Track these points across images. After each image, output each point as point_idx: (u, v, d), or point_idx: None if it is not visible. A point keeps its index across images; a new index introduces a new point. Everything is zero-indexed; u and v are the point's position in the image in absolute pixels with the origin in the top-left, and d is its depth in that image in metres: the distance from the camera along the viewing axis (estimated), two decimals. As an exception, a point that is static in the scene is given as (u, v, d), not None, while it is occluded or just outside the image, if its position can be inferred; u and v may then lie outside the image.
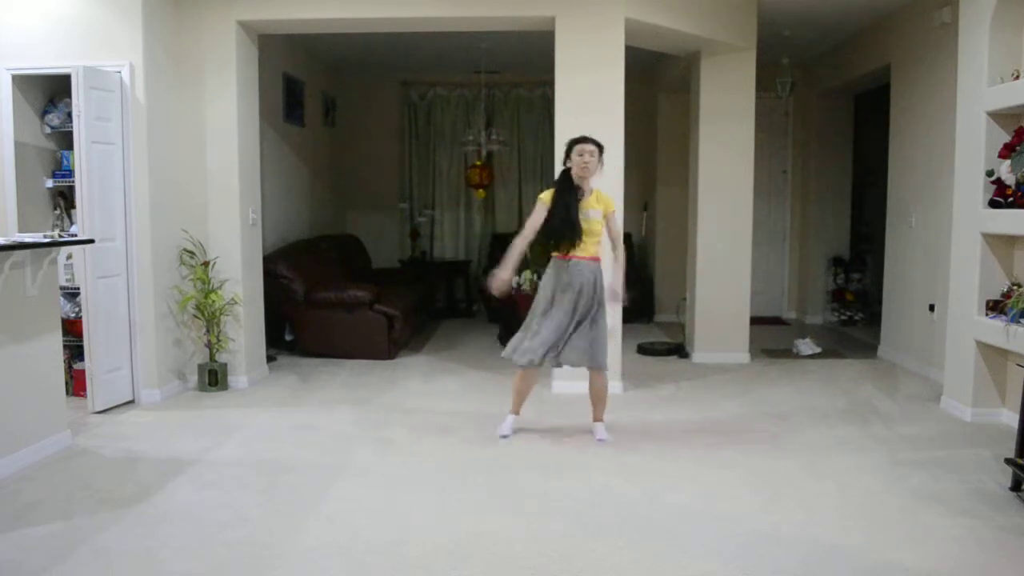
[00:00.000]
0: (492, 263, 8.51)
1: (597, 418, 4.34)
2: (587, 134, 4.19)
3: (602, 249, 4.23)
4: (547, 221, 4.12)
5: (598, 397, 4.31)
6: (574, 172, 4.12)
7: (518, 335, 4.23)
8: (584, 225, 4.09)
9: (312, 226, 7.89)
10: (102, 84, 4.67)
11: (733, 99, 6.09)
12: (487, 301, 7.82)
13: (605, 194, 4.23)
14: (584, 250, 4.11)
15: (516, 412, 4.36)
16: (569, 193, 4.11)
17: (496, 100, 8.97)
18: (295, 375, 5.81)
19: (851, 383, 5.54)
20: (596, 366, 4.17)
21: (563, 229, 4.08)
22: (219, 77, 5.21)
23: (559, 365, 4.27)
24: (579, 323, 4.12)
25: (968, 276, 4.55)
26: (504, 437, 4.26)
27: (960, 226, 4.66)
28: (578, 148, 4.12)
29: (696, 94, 6.30)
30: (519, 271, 6.72)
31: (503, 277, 4.12)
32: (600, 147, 4.15)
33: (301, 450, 4.09)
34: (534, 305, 4.22)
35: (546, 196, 4.17)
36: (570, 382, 5.26)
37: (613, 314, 4.23)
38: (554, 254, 4.18)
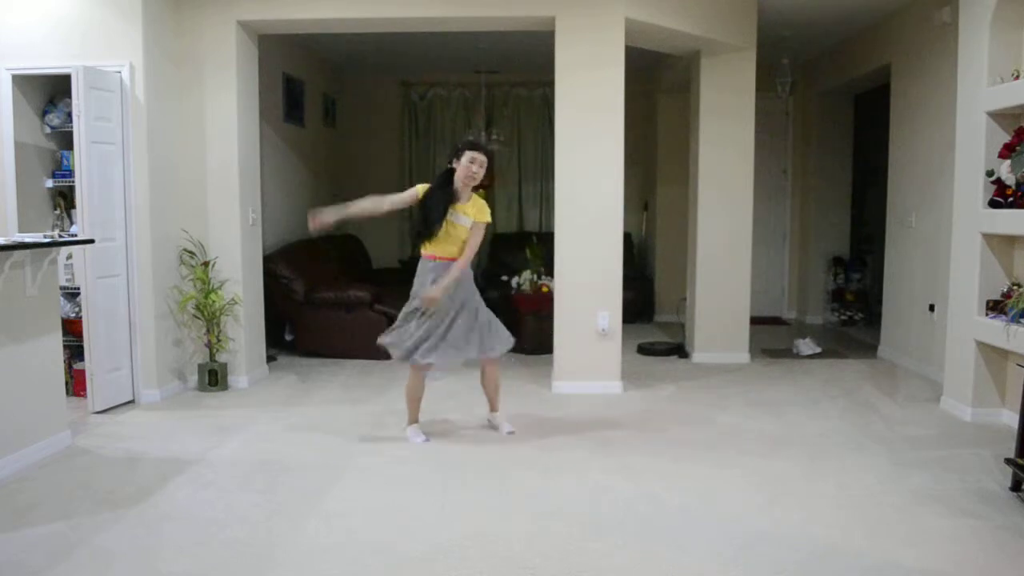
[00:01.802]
0: (492, 263, 8.58)
1: (495, 408, 4.37)
2: (484, 143, 4.10)
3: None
4: (417, 213, 4.14)
5: (493, 386, 4.34)
6: (458, 176, 4.04)
7: (395, 334, 4.13)
8: (450, 229, 4.03)
9: (312, 226, 7.88)
10: (102, 84, 4.67)
11: (733, 99, 6.09)
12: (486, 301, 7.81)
13: (483, 204, 4.16)
14: (448, 253, 4.06)
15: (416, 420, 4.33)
16: (444, 194, 4.04)
17: (496, 100, 8.97)
18: (295, 375, 5.81)
19: (851, 383, 5.54)
20: (485, 355, 4.17)
21: (421, 227, 4.07)
22: (219, 77, 5.21)
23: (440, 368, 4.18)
24: (455, 320, 4.07)
25: (968, 276, 4.55)
26: (510, 433, 4.30)
27: (960, 226, 4.66)
28: (470, 155, 4.02)
29: (696, 94, 6.30)
30: (519, 271, 6.73)
31: (325, 217, 4.00)
32: (492, 159, 4.11)
33: (301, 450, 4.09)
34: (407, 304, 4.15)
35: (421, 189, 4.10)
36: (570, 382, 5.27)
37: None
38: (423, 253, 4.13)
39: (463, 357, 4.15)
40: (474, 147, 4.08)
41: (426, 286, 4.05)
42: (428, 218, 4.04)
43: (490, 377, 4.35)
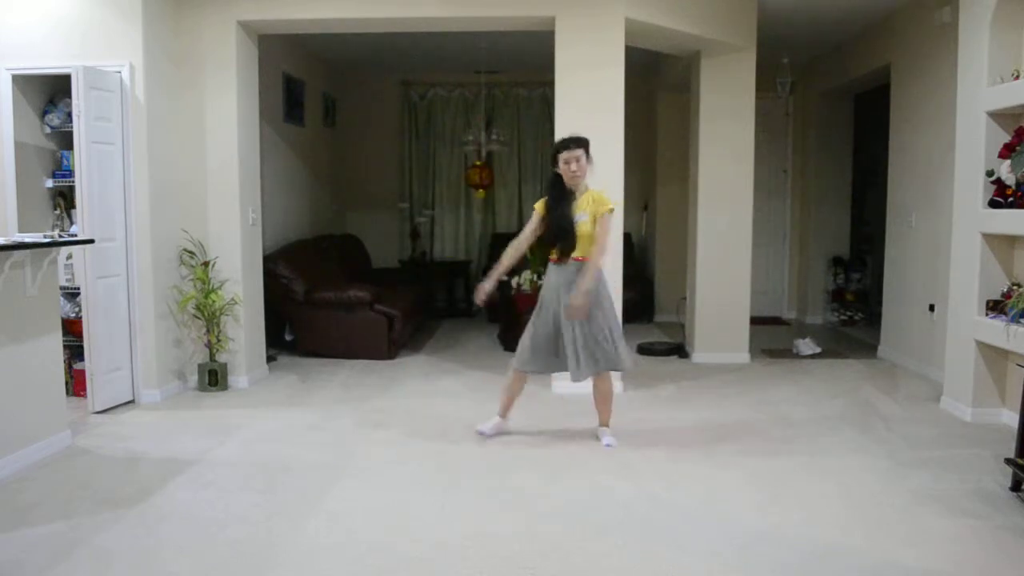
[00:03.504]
0: (492, 263, 8.54)
1: (603, 423, 4.29)
2: (571, 135, 4.06)
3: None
4: (547, 230, 4.08)
5: (602, 400, 4.25)
6: (564, 178, 4.04)
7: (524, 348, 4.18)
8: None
9: (312, 226, 7.89)
10: (102, 84, 4.67)
11: (733, 99, 6.09)
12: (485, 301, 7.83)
13: (599, 193, 4.06)
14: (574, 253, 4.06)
15: (503, 416, 4.34)
16: (562, 200, 4.03)
17: (496, 100, 8.97)
18: (295, 375, 5.81)
19: (851, 383, 5.54)
20: (596, 371, 4.09)
21: (561, 239, 4.03)
22: (219, 77, 5.21)
23: (574, 378, 4.09)
24: (573, 328, 4.00)
25: (968, 276, 4.55)
26: (481, 434, 4.28)
27: (960, 226, 4.66)
28: (563, 156, 3.99)
29: (696, 94, 6.30)
30: (519, 272, 6.73)
31: (485, 288, 4.10)
32: (585, 145, 4.02)
33: (301, 450, 4.09)
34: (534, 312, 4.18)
35: (539, 206, 4.12)
36: (570, 382, 5.25)
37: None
38: (550, 258, 4.14)
39: (565, 370, 4.10)
40: (564, 147, 4.02)
41: (552, 289, 4.05)
42: (562, 227, 4.01)
43: (598, 389, 4.24)
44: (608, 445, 4.14)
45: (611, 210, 4.02)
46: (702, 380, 5.65)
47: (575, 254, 4.01)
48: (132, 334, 4.95)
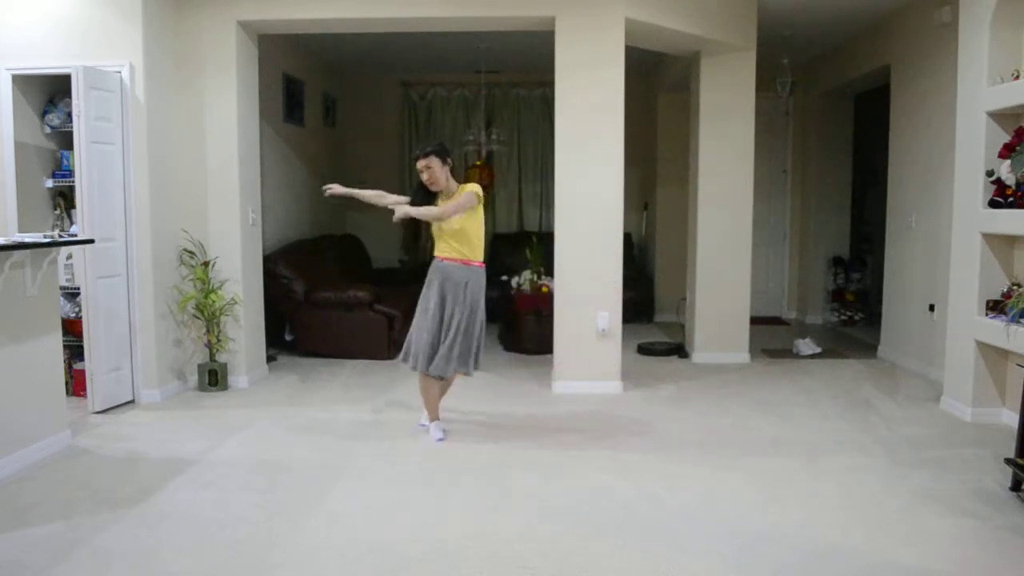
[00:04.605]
0: (492, 263, 8.55)
1: (436, 417, 4.33)
2: (428, 146, 4.14)
3: (480, 254, 4.26)
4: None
5: (443, 394, 4.38)
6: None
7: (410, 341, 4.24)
8: (442, 225, 4.12)
9: (312, 226, 7.89)
10: (102, 84, 4.67)
11: (733, 99, 6.09)
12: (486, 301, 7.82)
13: (464, 186, 4.17)
14: (450, 251, 4.14)
15: (435, 417, 4.34)
16: (421, 199, 4.18)
17: (496, 100, 8.97)
18: (295, 375, 5.80)
19: (851, 383, 5.54)
20: (463, 371, 4.21)
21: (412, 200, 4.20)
22: (219, 77, 5.21)
23: (435, 375, 4.16)
24: (450, 328, 4.09)
25: (968, 276, 4.55)
26: (423, 426, 4.36)
27: (960, 226, 4.66)
28: (418, 165, 4.13)
29: (696, 94, 6.30)
30: (519, 271, 6.74)
31: (335, 191, 4.47)
32: (437, 151, 4.11)
33: (301, 450, 4.09)
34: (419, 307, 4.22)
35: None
36: (570, 382, 5.27)
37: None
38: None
39: (440, 374, 4.17)
40: (418, 156, 4.15)
41: (431, 285, 4.14)
42: (412, 200, 4.20)
43: (447, 384, 4.40)
44: (440, 440, 4.22)
45: (474, 192, 4.12)
46: (702, 380, 5.65)
47: (449, 254, 4.15)
48: (132, 334, 4.95)
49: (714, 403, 5.04)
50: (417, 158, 4.15)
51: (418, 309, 4.21)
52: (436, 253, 4.20)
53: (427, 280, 4.19)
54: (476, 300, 4.18)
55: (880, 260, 6.87)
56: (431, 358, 4.11)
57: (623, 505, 3.35)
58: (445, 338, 4.11)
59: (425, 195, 4.19)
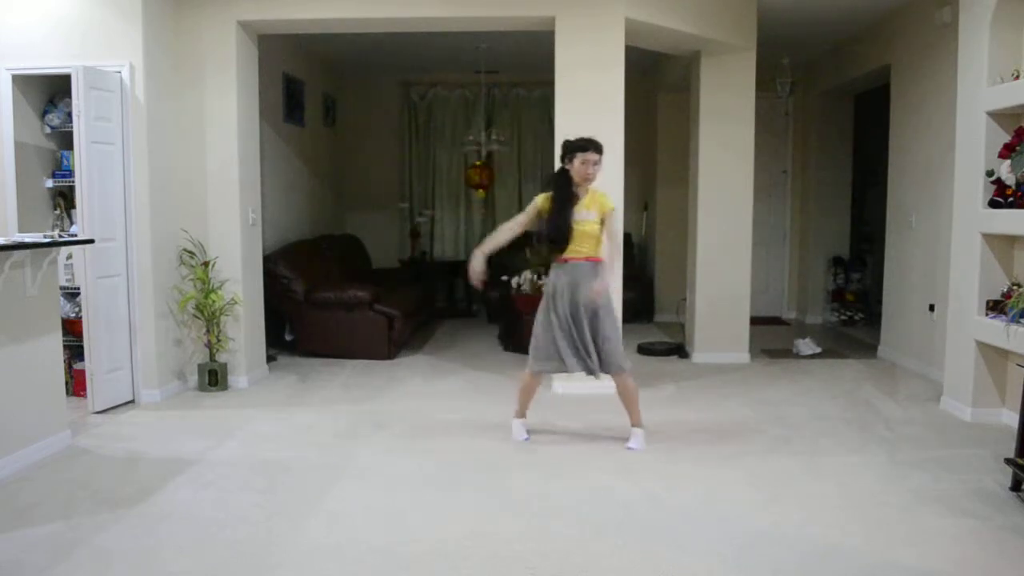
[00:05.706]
0: (491, 263, 8.55)
1: (634, 423, 4.19)
2: (590, 137, 4.06)
3: (604, 250, 4.13)
4: (546, 223, 4.07)
5: (627, 400, 4.18)
6: (575, 177, 4.04)
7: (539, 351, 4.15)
8: (576, 228, 4.00)
9: (312, 226, 7.89)
10: (102, 84, 4.67)
11: (733, 99, 6.09)
12: (487, 301, 7.83)
13: (602, 193, 4.11)
14: (579, 252, 4.02)
15: (521, 415, 4.32)
16: (566, 198, 4.04)
17: (496, 100, 8.97)
18: (295, 375, 5.81)
19: (851, 383, 5.54)
20: (611, 370, 4.08)
21: (555, 235, 4.02)
22: (219, 77, 5.21)
23: (592, 374, 4.09)
24: (585, 326, 4.00)
25: (968, 276, 4.55)
26: (526, 440, 4.24)
27: (960, 226, 4.66)
28: (582, 156, 4.00)
29: (696, 94, 6.30)
30: (519, 272, 6.73)
31: (475, 266, 4.10)
32: (602, 151, 4.06)
33: (301, 450, 4.09)
34: (538, 312, 4.14)
35: (542, 200, 4.10)
36: (570, 382, 5.26)
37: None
38: (554, 257, 4.11)
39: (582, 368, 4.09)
40: (585, 148, 4.03)
41: (559, 289, 4.02)
42: (558, 225, 4.01)
43: (619, 390, 4.21)
44: (630, 447, 4.09)
45: (613, 209, 4.12)
46: (702, 380, 5.65)
47: (585, 252, 4.02)
48: (132, 334, 4.95)
49: (714, 403, 5.04)
50: (580, 149, 4.01)
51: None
52: (567, 256, 4.06)
53: (558, 281, 4.07)
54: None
55: (880, 260, 6.87)
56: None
57: (623, 505, 3.35)
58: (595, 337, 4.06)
59: (569, 191, 4.04)
